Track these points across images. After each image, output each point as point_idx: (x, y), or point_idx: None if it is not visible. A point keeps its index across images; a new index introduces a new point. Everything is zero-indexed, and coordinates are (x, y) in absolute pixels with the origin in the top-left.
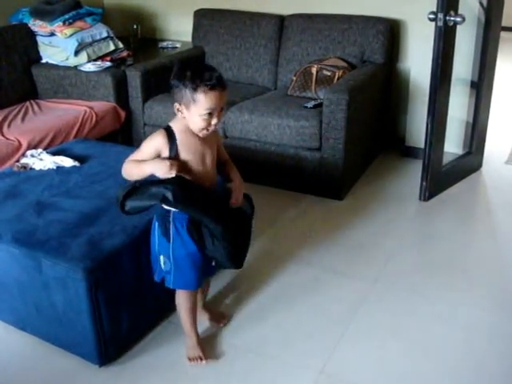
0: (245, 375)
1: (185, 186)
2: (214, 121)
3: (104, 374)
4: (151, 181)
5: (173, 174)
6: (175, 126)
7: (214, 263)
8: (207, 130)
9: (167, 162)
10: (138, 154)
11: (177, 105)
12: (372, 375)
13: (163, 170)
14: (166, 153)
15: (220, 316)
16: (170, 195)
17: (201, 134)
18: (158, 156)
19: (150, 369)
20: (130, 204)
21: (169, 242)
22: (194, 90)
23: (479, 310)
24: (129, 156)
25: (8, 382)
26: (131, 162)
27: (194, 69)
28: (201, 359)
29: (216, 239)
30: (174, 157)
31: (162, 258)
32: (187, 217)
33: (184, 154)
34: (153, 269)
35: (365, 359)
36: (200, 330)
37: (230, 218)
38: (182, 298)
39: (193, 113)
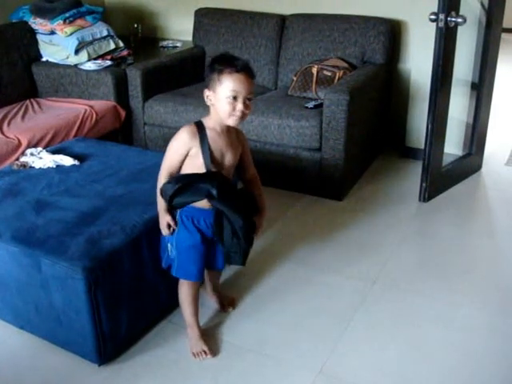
0: (243, 375)
1: (225, 184)
2: (239, 106)
3: (103, 373)
4: (196, 175)
5: (164, 234)
6: (207, 122)
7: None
8: (234, 116)
9: (164, 224)
10: (166, 164)
11: (206, 91)
12: (370, 376)
13: (160, 224)
14: (194, 149)
15: (228, 301)
16: (214, 191)
17: (229, 122)
18: (187, 154)
19: (148, 368)
20: (176, 200)
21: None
22: (221, 71)
23: (478, 311)
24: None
25: (7, 380)
26: (159, 183)
27: (226, 56)
28: (205, 353)
29: (236, 236)
30: (206, 153)
31: (169, 245)
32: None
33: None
34: (160, 256)
35: (363, 360)
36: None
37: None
38: (183, 288)
39: (219, 95)
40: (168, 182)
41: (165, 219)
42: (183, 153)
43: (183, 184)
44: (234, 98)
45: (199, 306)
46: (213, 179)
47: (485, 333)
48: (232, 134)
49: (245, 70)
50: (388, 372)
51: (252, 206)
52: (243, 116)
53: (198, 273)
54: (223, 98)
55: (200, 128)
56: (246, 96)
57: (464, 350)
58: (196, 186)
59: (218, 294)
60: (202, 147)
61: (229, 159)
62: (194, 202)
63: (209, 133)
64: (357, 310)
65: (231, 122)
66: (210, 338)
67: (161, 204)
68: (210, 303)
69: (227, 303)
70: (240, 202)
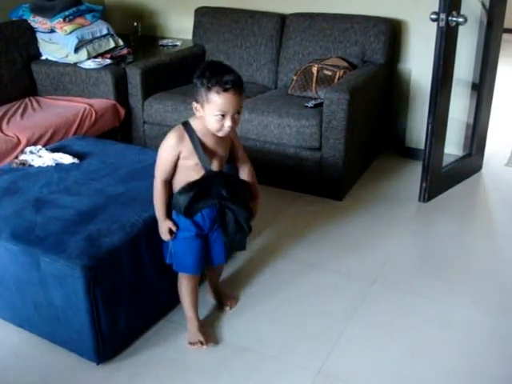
0: (242, 374)
1: (229, 181)
2: (227, 123)
3: (101, 372)
4: (204, 179)
5: (165, 240)
6: (194, 122)
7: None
8: (222, 131)
9: (164, 229)
10: (159, 170)
11: (194, 103)
12: (369, 376)
13: (160, 230)
14: (185, 151)
15: (228, 298)
16: (224, 192)
17: (219, 134)
18: (178, 158)
19: (147, 367)
20: (192, 209)
21: None
22: (209, 89)
23: (478, 312)
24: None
25: (5, 379)
26: (155, 189)
27: (214, 69)
28: (201, 343)
29: (239, 227)
30: (200, 152)
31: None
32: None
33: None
34: (164, 252)
35: (363, 360)
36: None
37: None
38: (181, 281)
39: (207, 112)
40: (179, 193)
41: (166, 225)
42: (174, 158)
43: (197, 191)
44: (222, 115)
45: (199, 301)
46: (219, 179)
47: (484, 333)
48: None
49: (233, 87)
50: (387, 372)
51: (249, 194)
52: (231, 128)
53: (194, 265)
54: (211, 115)
55: (188, 129)
56: (234, 112)
57: (463, 351)
58: (207, 191)
59: (218, 292)
60: (195, 148)
61: (221, 152)
62: (208, 206)
63: (198, 132)
64: (356, 310)
65: (219, 134)
66: (208, 329)
67: (159, 211)
68: (210, 300)
69: (226, 302)
70: (245, 195)
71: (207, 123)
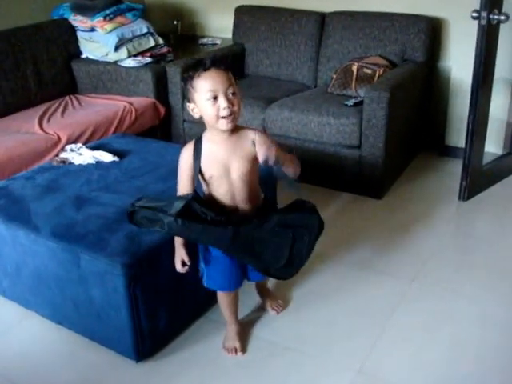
0: (281, 373)
1: (189, 215)
2: (222, 104)
3: (140, 370)
4: (157, 205)
5: (177, 269)
6: (205, 135)
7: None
8: (222, 117)
9: (176, 258)
10: (180, 182)
11: (189, 105)
12: (409, 376)
13: (175, 261)
14: (191, 171)
15: (275, 304)
16: (165, 226)
17: (221, 126)
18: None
19: (186, 365)
20: (136, 219)
21: None
22: (191, 78)
23: None
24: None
25: (44, 376)
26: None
27: (191, 64)
28: (236, 351)
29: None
30: (197, 172)
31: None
32: None
33: (207, 168)
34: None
35: (402, 359)
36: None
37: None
38: (219, 296)
39: (199, 104)
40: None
41: (178, 253)
42: (189, 171)
43: (142, 206)
44: (214, 98)
45: (238, 304)
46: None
47: None
48: (237, 137)
49: (212, 65)
50: (427, 372)
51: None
52: (233, 114)
53: (224, 284)
54: (204, 103)
55: (197, 143)
56: (226, 91)
57: (504, 351)
58: (151, 215)
59: (265, 295)
60: (193, 162)
61: (237, 168)
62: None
63: (205, 147)
64: (396, 309)
65: (222, 126)
66: (246, 336)
67: (177, 237)
68: (252, 300)
69: (273, 307)
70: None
71: (206, 119)
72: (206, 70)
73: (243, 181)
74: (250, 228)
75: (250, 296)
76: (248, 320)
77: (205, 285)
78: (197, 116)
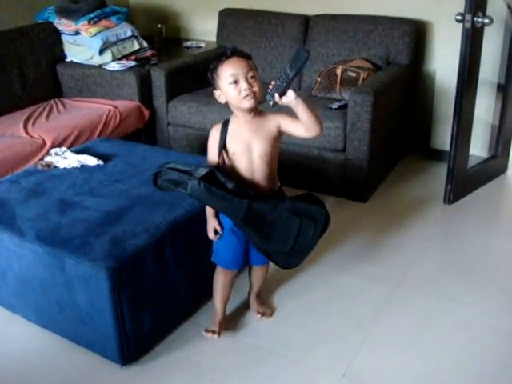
0: (266, 377)
1: (211, 182)
2: (243, 85)
3: (125, 374)
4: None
5: (210, 237)
6: (232, 118)
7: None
8: (244, 98)
9: (209, 227)
10: (209, 156)
11: (215, 92)
12: (395, 380)
13: (207, 228)
14: (217, 147)
15: (264, 311)
16: (188, 188)
17: (244, 105)
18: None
19: (171, 369)
20: (160, 182)
21: None
22: (216, 68)
23: (504, 315)
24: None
25: (29, 380)
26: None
27: (214, 57)
28: (213, 333)
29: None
30: (222, 147)
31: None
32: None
33: (231, 145)
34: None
35: (388, 363)
36: (227, 329)
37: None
38: (217, 273)
39: (224, 88)
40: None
41: (211, 223)
42: (216, 147)
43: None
44: (235, 82)
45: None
46: (195, 176)
47: (511, 337)
48: (261, 120)
49: (234, 53)
50: (412, 376)
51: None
52: (254, 95)
53: (228, 260)
54: (227, 87)
55: (225, 124)
56: (246, 75)
57: (490, 355)
58: (175, 177)
59: (259, 302)
60: (220, 138)
61: (258, 147)
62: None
63: (231, 127)
64: (381, 313)
65: (246, 104)
66: (229, 325)
67: (209, 209)
68: (240, 302)
69: (260, 311)
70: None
71: (231, 101)
72: (227, 58)
73: (263, 160)
74: (263, 207)
75: (240, 296)
76: (234, 324)
77: (212, 259)
78: (223, 101)
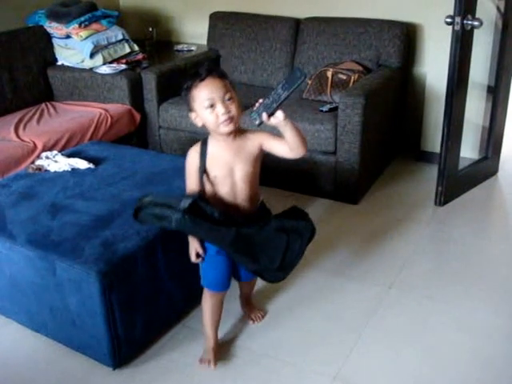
0: (258, 380)
1: (195, 213)
2: (219, 110)
3: (118, 377)
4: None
5: (192, 260)
6: (210, 138)
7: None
8: (221, 123)
9: (191, 250)
10: (188, 182)
11: (191, 114)
12: (386, 381)
13: (190, 253)
14: (197, 171)
15: (255, 313)
16: (173, 223)
17: (222, 131)
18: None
19: (164, 372)
20: (141, 216)
21: None
22: (189, 89)
23: (495, 316)
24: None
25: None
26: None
27: (190, 74)
28: (209, 363)
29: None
30: (202, 172)
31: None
32: None
33: (212, 169)
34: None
35: (379, 366)
36: (220, 332)
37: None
38: (204, 295)
39: (200, 112)
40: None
41: (193, 246)
42: (195, 171)
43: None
44: (212, 106)
45: (221, 316)
46: (178, 209)
47: (503, 339)
48: (242, 140)
49: (208, 75)
50: (404, 377)
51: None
52: (232, 118)
53: (214, 282)
54: (203, 111)
55: (203, 145)
56: (223, 97)
57: (480, 355)
58: (156, 211)
59: (247, 304)
60: (199, 162)
61: (240, 169)
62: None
63: (210, 149)
64: (372, 316)
65: (223, 130)
66: (222, 350)
67: None
68: (239, 311)
69: (251, 316)
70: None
71: (207, 125)
72: (202, 80)
73: (245, 182)
74: (251, 231)
75: (231, 305)
76: (226, 328)
77: (201, 282)
78: (199, 124)
